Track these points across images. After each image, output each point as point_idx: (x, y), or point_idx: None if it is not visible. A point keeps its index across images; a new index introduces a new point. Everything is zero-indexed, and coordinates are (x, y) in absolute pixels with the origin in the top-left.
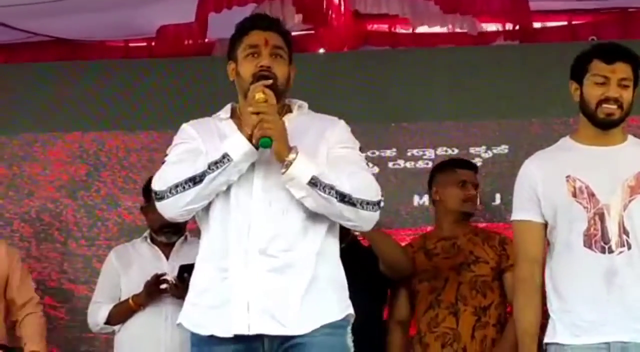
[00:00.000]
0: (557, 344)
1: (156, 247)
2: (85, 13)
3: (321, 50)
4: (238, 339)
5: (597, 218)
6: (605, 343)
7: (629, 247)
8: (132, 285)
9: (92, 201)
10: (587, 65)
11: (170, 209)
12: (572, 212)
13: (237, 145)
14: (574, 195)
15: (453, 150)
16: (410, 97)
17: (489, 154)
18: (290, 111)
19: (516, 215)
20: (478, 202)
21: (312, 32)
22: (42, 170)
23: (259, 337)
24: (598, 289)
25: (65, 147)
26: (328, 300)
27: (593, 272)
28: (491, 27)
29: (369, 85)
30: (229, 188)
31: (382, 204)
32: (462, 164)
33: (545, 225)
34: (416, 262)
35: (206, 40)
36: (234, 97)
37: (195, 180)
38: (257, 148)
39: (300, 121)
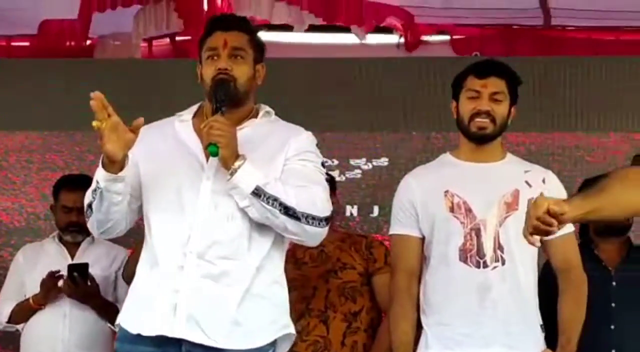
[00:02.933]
0: None
1: (63, 247)
2: None
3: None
4: (159, 340)
5: (473, 233)
6: None
7: (503, 263)
8: (36, 283)
9: None
10: (462, 81)
11: (92, 231)
12: (449, 226)
13: (99, 171)
14: (452, 210)
15: (333, 162)
16: (292, 108)
17: (369, 166)
18: (256, 116)
19: (394, 229)
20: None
21: (196, 37)
22: None
23: (178, 342)
24: (472, 303)
25: None
26: (260, 319)
27: (468, 286)
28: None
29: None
30: (176, 188)
31: (329, 220)
32: None
33: (423, 239)
34: (285, 271)
35: (88, 42)
36: (118, 100)
37: (90, 206)
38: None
39: (263, 128)
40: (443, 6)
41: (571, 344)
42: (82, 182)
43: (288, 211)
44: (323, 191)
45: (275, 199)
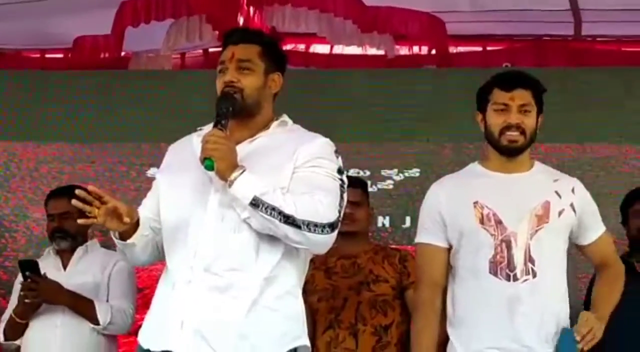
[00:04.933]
0: None
1: (57, 257)
2: (2, 21)
3: None
4: None
5: (503, 246)
6: None
7: (534, 276)
8: None
9: (1, 212)
10: (488, 95)
11: None
12: (478, 238)
13: (113, 235)
14: (482, 221)
15: (365, 172)
16: (323, 119)
17: (401, 177)
18: (268, 127)
19: (420, 238)
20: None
21: None
22: None
23: None
24: (502, 316)
25: None
26: (269, 332)
27: (497, 299)
28: (406, 50)
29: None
30: (185, 203)
31: (334, 226)
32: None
33: (449, 249)
34: (315, 280)
35: (122, 53)
36: (150, 111)
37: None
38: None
39: (277, 137)
40: (472, 9)
41: (603, 319)
42: (66, 190)
43: (288, 219)
44: (328, 196)
45: (274, 208)
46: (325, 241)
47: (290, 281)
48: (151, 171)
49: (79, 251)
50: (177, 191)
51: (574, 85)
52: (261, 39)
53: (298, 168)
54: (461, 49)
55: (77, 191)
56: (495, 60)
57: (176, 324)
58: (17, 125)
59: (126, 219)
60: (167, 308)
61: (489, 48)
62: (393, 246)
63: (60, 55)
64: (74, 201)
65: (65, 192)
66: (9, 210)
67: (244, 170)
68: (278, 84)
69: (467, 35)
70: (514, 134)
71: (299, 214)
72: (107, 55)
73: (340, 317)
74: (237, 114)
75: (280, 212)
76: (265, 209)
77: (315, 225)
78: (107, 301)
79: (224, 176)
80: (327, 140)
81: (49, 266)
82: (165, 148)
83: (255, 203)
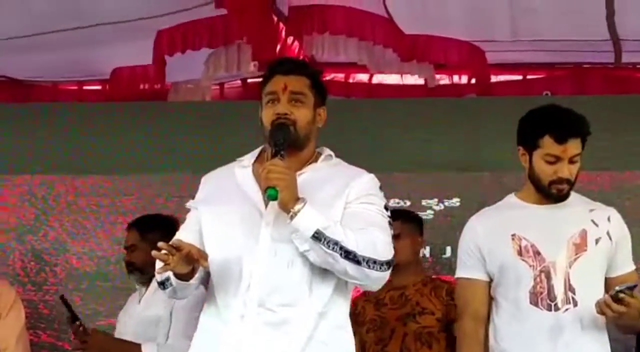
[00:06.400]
0: None
1: (141, 289)
2: (38, 52)
3: None
4: None
5: (543, 276)
6: None
7: (575, 305)
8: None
9: (40, 246)
10: (538, 139)
11: None
12: (517, 270)
13: (171, 275)
14: (520, 253)
15: (405, 202)
16: (362, 148)
17: (441, 207)
18: (316, 160)
19: (460, 272)
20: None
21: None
22: None
23: None
24: (545, 346)
25: (13, 190)
26: None
27: (539, 330)
28: (446, 80)
29: (322, 136)
30: (235, 236)
31: (391, 264)
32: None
33: (489, 282)
34: (365, 311)
35: (160, 85)
36: (188, 143)
37: (162, 286)
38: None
39: (324, 172)
40: (512, 39)
41: None
42: (135, 223)
43: (349, 255)
44: (384, 233)
45: (336, 243)
46: (382, 278)
47: (342, 314)
48: (190, 203)
49: (154, 282)
50: (224, 224)
51: (614, 113)
52: (310, 72)
53: (350, 203)
54: (501, 77)
55: (159, 244)
56: (535, 88)
57: None
58: (55, 159)
59: (205, 264)
60: (219, 344)
61: (528, 77)
62: (443, 278)
63: (97, 87)
64: (154, 253)
65: (133, 224)
66: (48, 244)
67: (305, 202)
68: (323, 118)
69: (507, 63)
70: (563, 186)
71: (360, 250)
72: (146, 86)
73: (387, 348)
74: (288, 147)
75: (341, 247)
76: (327, 243)
77: (374, 262)
78: (168, 337)
79: (286, 207)
80: (373, 176)
81: (134, 298)
82: None
83: (318, 236)
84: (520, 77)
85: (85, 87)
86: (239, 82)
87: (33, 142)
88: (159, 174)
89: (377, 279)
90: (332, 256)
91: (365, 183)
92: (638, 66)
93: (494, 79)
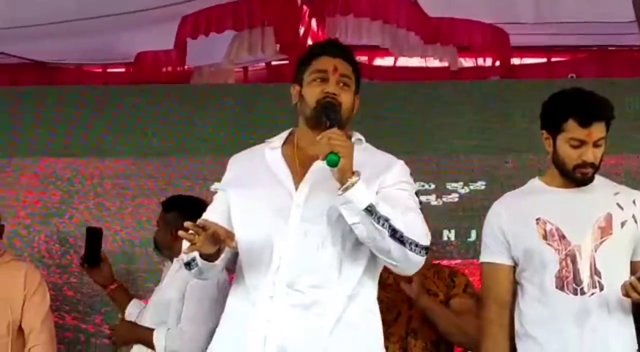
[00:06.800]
0: None
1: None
2: (64, 37)
3: None
4: None
5: (568, 260)
6: None
7: (601, 289)
8: None
9: (65, 228)
10: (562, 123)
11: None
12: (543, 254)
13: (197, 256)
14: (545, 237)
15: (430, 185)
16: (386, 131)
17: (466, 190)
18: None
19: (485, 257)
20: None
21: (292, 61)
22: (15, 195)
23: None
24: (571, 330)
25: (38, 173)
26: (353, 349)
27: (565, 314)
28: (469, 62)
29: None
30: (265, 217)
31: (428, 250)
32: None
33: (514, 267)
34: None
35: (185, 67)
36: (213, 125)
37: (188, 267)
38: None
39: (357, 155)
40: (536, 21)
41: None
42: (165, 202)
43: (395, 234)
44: (422, 219)
45: (387, 220)
46: (419, 263)
47: (371, 297)
48: (215, 185)
49: (175, 263)
50: (254, 205)
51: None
52: (354, 59)
53: (384, 189)
54: (525, 60)
55: (185, 224)
56: (560, 71)
57: (258, 341)
58: (80, 141)
59: (231, 244)
60: (246, 324)
61: (553, 59)
62: (445, 264)
63: (122, 70)
64: (180, 232)
65: (162, 203)
66: (73, 226)
67: (360, 176)
68: (357, 106)
69: (531, 46)
70: (587, 170)
71: (407, 232)
72: (169, 69)
73: (391, 329)
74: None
75: (390, 226)
76: (378, 218)
77: (417, 245)
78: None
79: (344, 176)
80: (403, 163)
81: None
82: (229, 162)
83: (370, 210)
84: (544, 60)
85: (109, 70)
86: (263, 65)
87: (58, 125)
88: (183, 156)
89: (416, 263)
90: (380, 233)
91: (399, 170)
92: None
93: (517, 61)
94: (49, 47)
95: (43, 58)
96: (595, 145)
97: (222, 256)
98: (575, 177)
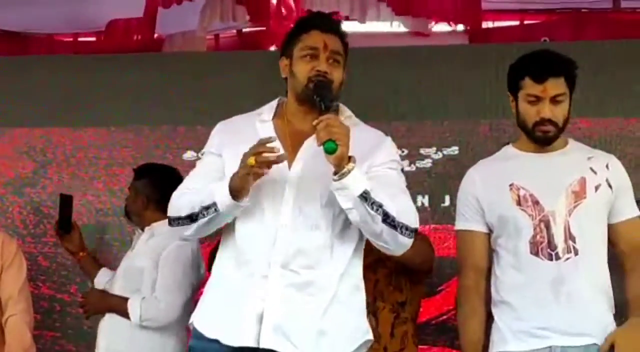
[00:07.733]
0: None
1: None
2: (34, 5)
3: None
4: (240, 350)
5: (542, 225)
6: (548, 347)
7: (576, 253)
8: None
9: (39, 198)
10: (519, 81)
11: (180, 232)
12: (517, 220)
13: (223, 197)
14: (519, 203)
15: (403, 151)
16: (359, 98)
17: (439, 155)
18: None
19: (460, 225)
20: None
21: (264, 29)
22: None
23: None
24: (546, 296)
25: (11, 143)
26: (344, 327)
27: (541, 280)
28: (441, 27)
29: None
30: (259, 194)
31: (416, 232)
32: None
33: (489, 234)
34: None
35: (155, 36)
36: (185, 94)
37: (191, 218)
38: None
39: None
40: None
41: None
42: (135, 169)
43: (387, 219)
44: (410, 201)
45: (380, 206)
46: (408, 245)
47: (358, 275)
48: (188, 154)
49: (146, 232)
50: None
51: (614, 58)
52: (344, 32)
53: (375, 167)
54: (498, 23)
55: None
56: (533, 34)
57: (252, 320)
58: (52, 111)
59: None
60: (240, 299)
61: (526, 22)
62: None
63: (92, 39)
64: (268, 145)
65: (135, 172)
66: (46, 196)
67: (355, 162)
68: (344, 80)
69: (504, 9)
70: (547, 128)
71: (398, 217)
72: (139, 37)
73: None
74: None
75: (383, 211)
76: (372, 204)
77: (407, 228)
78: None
79: (341, 162)
80: (391, 139)
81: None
82: (202, 131)
83: (365, 197)
84: (517, 23)
85: (80, 39)
86: (234, 32)
87: (30, 95)
88: (156, 126)
89: (405, 245)
90: (373, 218)
91: (388, 149)
92: (637, 10)
93: (490, 25)
94: (19, 16)
95: (14, 28)
96: (554, 101)
97: (247, 198)
98: (536, 136)
